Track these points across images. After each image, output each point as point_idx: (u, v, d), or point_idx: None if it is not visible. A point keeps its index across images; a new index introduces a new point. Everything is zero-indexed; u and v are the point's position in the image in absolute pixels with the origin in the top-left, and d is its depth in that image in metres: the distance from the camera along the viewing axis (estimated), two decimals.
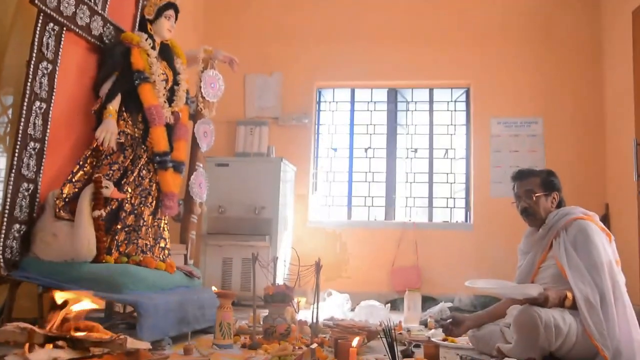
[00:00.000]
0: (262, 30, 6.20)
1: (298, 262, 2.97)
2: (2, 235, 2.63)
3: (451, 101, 6.16)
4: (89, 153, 3.05)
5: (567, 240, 2.52)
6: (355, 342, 2.19)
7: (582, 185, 5.35)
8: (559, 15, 5.85)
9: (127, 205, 3.07)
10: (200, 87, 3.82)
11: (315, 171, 6.15)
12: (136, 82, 3.14)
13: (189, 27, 5.55)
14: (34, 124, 2.77)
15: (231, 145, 5.95)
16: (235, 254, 5.07)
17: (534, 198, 2.66)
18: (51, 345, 1.74)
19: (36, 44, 2.76)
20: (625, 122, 4.95)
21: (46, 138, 2.84)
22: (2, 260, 2.62)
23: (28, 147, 2.74)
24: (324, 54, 6.08)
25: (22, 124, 2.70)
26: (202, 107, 3.83)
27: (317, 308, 3.01)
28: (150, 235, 3.17)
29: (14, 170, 2.68)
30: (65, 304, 1.84)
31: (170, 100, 3.35)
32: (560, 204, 2.71)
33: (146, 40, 3.28)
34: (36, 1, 2.70)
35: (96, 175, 2.88)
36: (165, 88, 3.30)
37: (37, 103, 2.78)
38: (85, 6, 3.05)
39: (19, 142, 2.69)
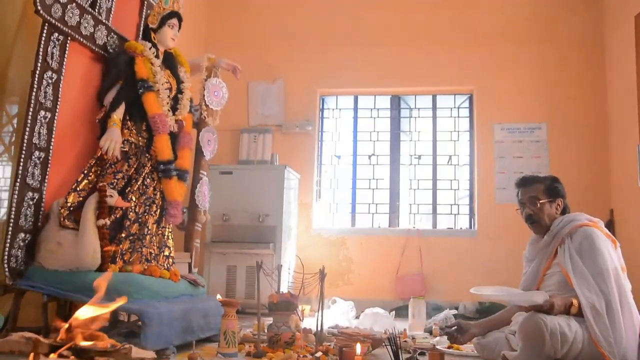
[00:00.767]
0: (264, 38, 6.23)
1: (302, 269, 2.97)
2: (7, 245, 2.64)
3: (454, 107, 6.16)
4: (94, 162, 3.06)
5: (572, 247, 2.50)
6: (359, 349, 2.18)
7: (586, 190, 5.34)
8: (561, 21, 5.86)
9: (131, 213, 3.07)
10: (204, 95, 3.83)
11: (319, 178, 6.15)
12: (140, 90, 3.16)
13: (191, 36, 5.57)
14: (39, 133, 2.78)
15: (235, 153, 5.96)
16: (239, 262, 5.06)
17: (539, 205, 2.65)
18: (56, 355, 1.74)
19: (41, 53, 2.78)
20: (629, 128, 4.95)
21: (51, 147, 2.86)
22: (7, 269, 2.63)
23: (33, 157, 2.75)
24: (326, 61, 6.10)
25: (27, 133, 2.72)
26: (206, 115, 3.84)
27: (322, 316, 3.00)
28: (155, 244, 3.17)
29: (19, 180, 2.69)
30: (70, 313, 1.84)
31: (174, 108, 3.36)
32: (564, 211, 2.70)
33: (150, 49, 3.29)
34: (41, 11, 2.73)
35: (100, 184, 2.89)
36: (169, 96, 3.31)
37: (42, 112, 2.79)
38: (89, 16, 3.07)
39: (23, 152, 2.71)
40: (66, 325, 1.74)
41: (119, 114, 3.09)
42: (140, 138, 3.18)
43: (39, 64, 2.77)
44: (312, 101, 6.15)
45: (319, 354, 2.65)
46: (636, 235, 4.76)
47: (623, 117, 5.23)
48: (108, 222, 2.86)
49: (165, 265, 3.20)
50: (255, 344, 2.83)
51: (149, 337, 2.50)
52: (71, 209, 2.87)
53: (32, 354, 1.67)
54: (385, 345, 2.67)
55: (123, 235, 3.02)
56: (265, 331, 2.96)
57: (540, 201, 2.66)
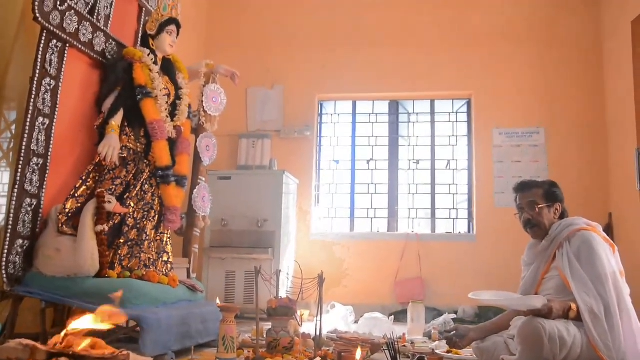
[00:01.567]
0: (263, 43, 6.24)
1: (301, 275, 2.97)
2: (5, 251, 2.64)
3: (453, 112, 6.17)
4: (92, 168, 3.06)
5: (570, 252, 2.51)
6: (358, 354, 2.18)
7: (585, 194, 5.35)
8: (559, 26, 5.88)
9: (129, 219, 3.08)
10: (202, 101, 3.85)
11: (317, 183, 6.15)
12: (138, 97, 3.16)
13: (190, 41, 5.58)
14: (37, 139, 2.78)
15: (233, 159, 5.97)
16: (238, 267, 5.06)
17: (537, 209, 2.65)
18: None
19: (39, 60, 2.78)
20: (628, 131, 4.96)
21: (49, 153, 2.86)
22: (5, 275, 2.63)
23: (31, 163, 2.75)
24: (325, 67, 6.11)
25: (25, 139, 2.72)
26: (204, 121, 3.85)
27: (321, 321, 3.00)
28: (153, 250, 3.17)
29: (17, 186, 2.69)
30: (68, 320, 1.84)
31: (172, 114, 3.36)
32: (563, 215, 2.70)
33: (148, 55, 3.30)
34: (40, 18, 2.73)
35: (99, 190, 2.89)
36: (167, 103, 3.32)
37: (40, 119, 2.80)
38: (88, 23, 3.08)
39: (22, 158, 2.71)
40: (64, 332, 1.74)
41: (117, 120, 3.10)
42: (138, 144, 3.19)
43: (38, 71, 2.77)
44: (310, 106, 6.16)
45: (318, 359, 2.65)
46: (635, 239, 4.77)
47: (621, 121, 5.25)
48: (106, 228, 2.87)
49: (163, 270, 3.19)
50: (254, 349, 2.82)
51: (148, 343, 2.50)
52: (69, 215, 2.87)
53: None
54: (384, 350, 2.67)
55: (121, 241, 3.02)
56: (264, 336, 2.96)
57: (539, 206, 2.66)
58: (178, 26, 3.48)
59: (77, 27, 2.99)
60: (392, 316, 4.36)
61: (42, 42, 2.80)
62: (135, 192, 3.14)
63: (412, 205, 6.04)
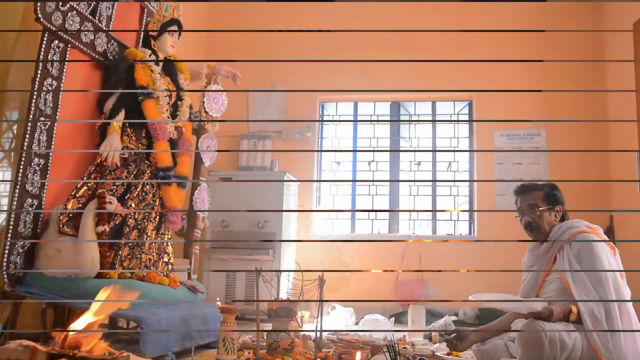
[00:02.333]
0: (264, 44, 6.23)
1: (302, 276, 2.97)
2: (6, 251, 2.64)
3: (454, 114, 6.17)
4: (93, 169, 3.06)
5: (571, 254, 2.50)
6: (359, 356, 2.18)
7: (586, 197, 5.34)
8: (561, 26, 5.86)
9: (130, 220, 3.08)
10: (204, 102, 3.84)
11: (318, 185, 6.15)
12: (140, 97, 3.17)
13: (192, 42, 5.58)
14: (39, 140, 2.79)
15: (234, 160, 5.96)
16: (238, 268, 5.05)
17: (538, 212, 2.65)
18: None
19: (41, 60, 2.78)
20: (628, 134, 4.95)
21: (50, 154, 2.86)
22: (6, 275, 2.63)
23: (32, 163, 2.76)
24: (326, 68, 6.10)
25: (26, 140, 2.72)
26: (206, 122, 3.85)
27: (321, 322, 3.00)
28: (154, 250, 3.17)
29: (18, 186, 2.69)
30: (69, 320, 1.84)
31: (173, 115, 3.37)
32: (563, 218, 2.70)
33: (150, 56, 3.30)
34: (42, 19, 2.74)
35: (100, 191, 2.90)
36: (168, 103, 3.32)
37: (42, 119, 2.80)
38: (89, 23, 3.09)
39: (23, 158, 2.71)
40: (64, 333, 1.74)
41: (118, 120, 3.10)
42: (139, 145, 3.19)
43: (39, 71, 2.78)
44: (312, 108, 6.15)
45: None
46: (636, 242, 4.76)
47: (622, 124, 5.24)
48: (107, 229, 2.87)
49: (164, 271, 3.19)
50: (254, 350, 2.82)
51: (148, 344, 2.50)
52: (70, 215, 2.87)
53: None
54: (385, 352, 2.66)
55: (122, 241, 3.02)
56: (264, 338, 2.96)
57: (540, 209, 2.66)
58: (180, 27, 3.49)
59: (78, 27, 3.00)
60: (393, 318, 4.36)
61: (44, 42, 2.80)
62: (136, 193, 3.14)
63: (413, 207, 6.03)
